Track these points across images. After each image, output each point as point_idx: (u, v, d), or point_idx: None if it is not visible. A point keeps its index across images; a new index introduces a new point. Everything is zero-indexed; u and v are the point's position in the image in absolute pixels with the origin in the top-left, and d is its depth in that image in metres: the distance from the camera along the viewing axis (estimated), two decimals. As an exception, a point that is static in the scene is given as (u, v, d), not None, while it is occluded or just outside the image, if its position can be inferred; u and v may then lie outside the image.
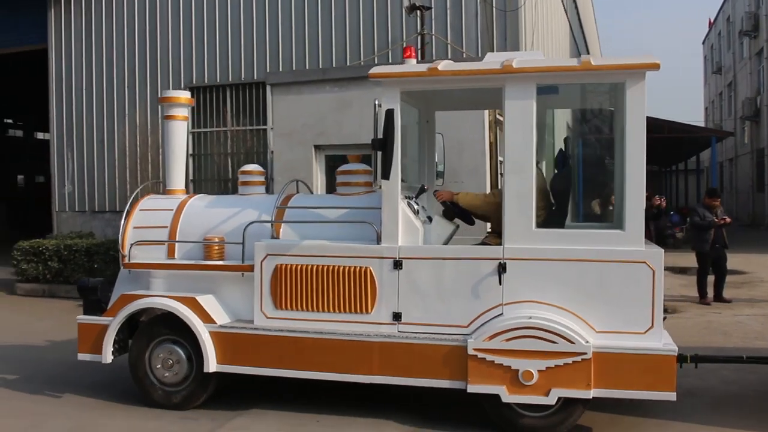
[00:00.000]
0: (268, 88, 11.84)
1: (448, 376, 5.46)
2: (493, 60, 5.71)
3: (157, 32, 14.64)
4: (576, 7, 27.43)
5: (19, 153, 30.92)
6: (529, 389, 5.28)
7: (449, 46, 12.22)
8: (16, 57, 17.38)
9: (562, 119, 10.56)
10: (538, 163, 5.65)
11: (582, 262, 5.34)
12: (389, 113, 5.46)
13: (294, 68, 13.31)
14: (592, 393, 5.21)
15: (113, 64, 14.98)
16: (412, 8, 11.80)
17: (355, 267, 5.71)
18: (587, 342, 5.20)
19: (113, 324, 6.11)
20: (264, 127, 13.88)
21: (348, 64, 12.64)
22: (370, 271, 5.68)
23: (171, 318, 5.99)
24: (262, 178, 6.75)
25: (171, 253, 6.37)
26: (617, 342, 5.25)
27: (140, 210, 6.62)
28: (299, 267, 5.81)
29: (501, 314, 5.42)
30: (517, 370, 5.28)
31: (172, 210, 6.52)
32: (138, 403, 6.18)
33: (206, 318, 5.93)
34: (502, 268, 5.41)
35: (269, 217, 6.12)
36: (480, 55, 11.25)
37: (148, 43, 14.70)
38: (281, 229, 6.14)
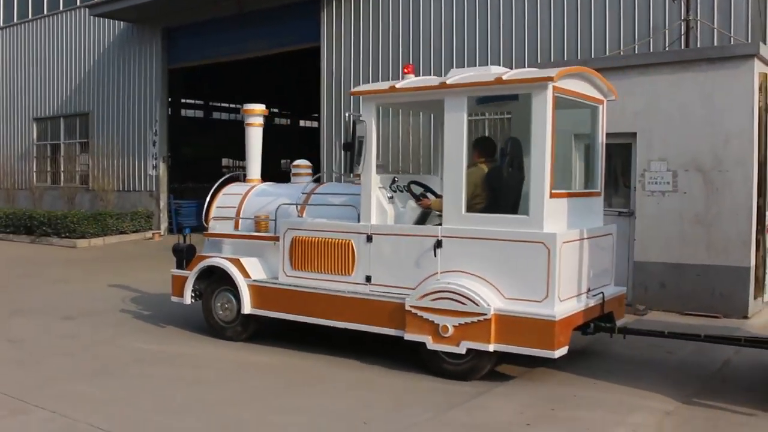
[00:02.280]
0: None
1: (395, 326, 6.99)
2: (452, 77, 7.08)
3: (419, 34, 15.16)
4: None
5: (285, 139, 35.12)
6: (446, 340, 6.65)
7: (716, 31, 11.42)
8: (283, 55, 19.40)
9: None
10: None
11: (497, 241, 6.59)
12: (354, 122, 7.11)
13: (552, 59, 13.01)
14: (491, 347, 6.46)
15: (379, 60, 15.85)
16: None
17: (341, 240, 7.44)
18: (489, 305, 6.46)
19: (191, 276, 8.43)
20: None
21: (607, 53, 12.26)
22: (351, 243, 7.37)
23: (226, 273, 8.16)
24: (309, 170, 8.70)
25: (236, 226, 8.55)
26: (515, 306, 6.44)
27: (222, 194, 8.89)
28: (306, 239, 7.66)
29: (438, 280, 6.84)
30: (438, 324, 6.67)
31: (241, 194, 8.71)
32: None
33: (245, 274, 8.01)
34: (438, 244, 6.83)
35: (300, 202, 8.06)
36: (750, 41, 10.78)
37: (412, 40, 15.25)
38: (305, 210, 8.04)
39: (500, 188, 6.95)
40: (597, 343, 7.78)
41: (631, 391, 6.29)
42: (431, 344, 6.74)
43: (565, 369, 6.92)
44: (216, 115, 34.16)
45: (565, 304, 6.49)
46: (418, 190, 7.51)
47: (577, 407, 5.95)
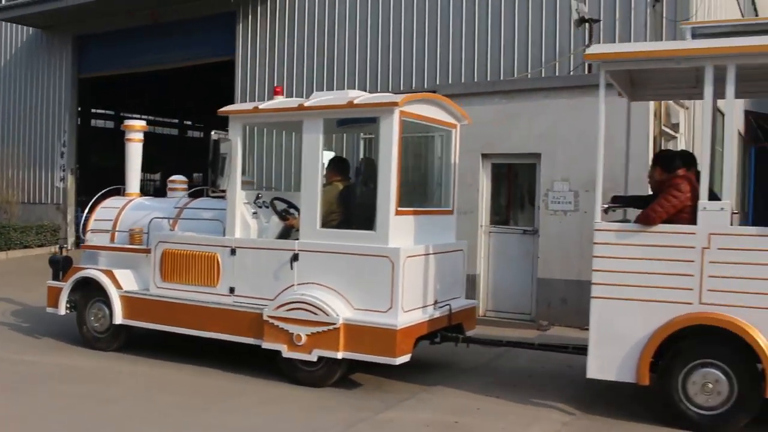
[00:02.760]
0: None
1: (255, 336, 7.34)
2: (312, 99, 7.51)
3: (335, 44, 15.50)
4: (755, 10, 26.82)
5: (199, 152, 35.17)
6: (300, 348, 7.04)
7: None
8: (199, 68, 19.31)
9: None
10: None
11: (347, 255, 7.02)
12: (214, 142, 7.46)
13: (463, 80, 13.74)
14: (340, 354, 6.87)
15: (293, 73, 16.06)
16: (581, 21, 12.00)
17: (207, 253, 7.77)
18: (338, 315, 6.87)
19: (65, 287, 8.63)
20: (432, 134, 14.56)
21: (516, 76, 12.85)
22: (217, 256, 7.71)
23: (99, 285, 8.38)
24: (184, 186, 9.02)
25: (112, 239, 8.79)
26: (362, 316, 6.87)
27: (101, 207, 9.12)
28: (175, 251, 7.96)
29: (294, 291, 7.23)
30: (292, 333, 7.06)
31: (118, 208, 8.96)
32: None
33: (118, 285, 8.26)
34: (295, 257, 7.23)
35: (172, 216, 8.36)
36: None
37: (326, 53, 15.55)
38: (177, 224, 8.35)
39: (353, 205, 7.39)
40: (501, 359, 8.17)
41: (531, 404, 6.58)
42: (286, 352, 7.11)
43: (471, 384, 7.19)
44: (129, 126, 33.78)
45: (409, 314, 6.93)
46: (281, 206, 7.89)
47: (481, 419, 6.20)
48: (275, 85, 15.98)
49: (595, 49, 6.44)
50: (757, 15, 26.58)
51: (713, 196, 6.03)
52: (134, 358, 8.20)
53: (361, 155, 10.85)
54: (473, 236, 10.15)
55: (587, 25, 11.95)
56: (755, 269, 5.72)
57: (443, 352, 8.13)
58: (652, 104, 9.68)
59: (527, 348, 7.35)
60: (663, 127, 10.75)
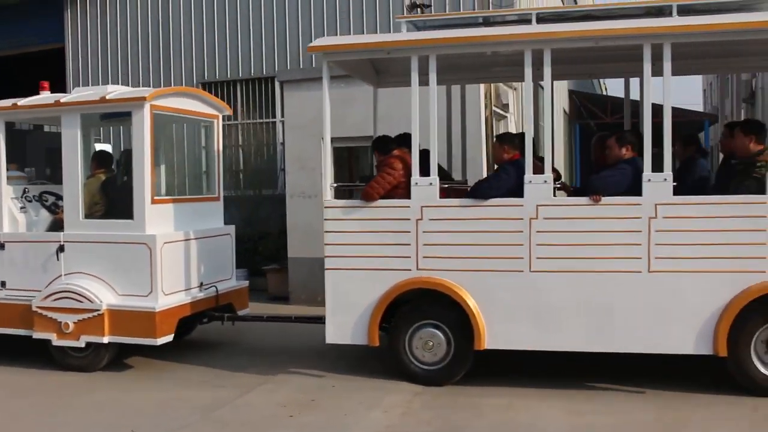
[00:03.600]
0: (277, 84, 12.96)
1: (27, 327, 7.52)
2: (71, 95, 7.70)
3: (170, 31, 15.23)
4: None
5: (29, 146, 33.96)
6: (68, 336, 7.31)
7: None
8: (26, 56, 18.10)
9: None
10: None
11: (109, 244, 7.33)
12: None
13: (302, 66, 13.67)
14: (106, 339, 7.20)
15: (128, 62, 15.67)
16: (413, 6, 12.30)
17: (-23, 248, 7.88)
18: (101, 301, 7.19)
19: None
20: (273, 120, 14.48)
21: None
22: (-14, 251, 7.84)
23: None
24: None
25: None
26: (125, 302, 7.21)
27: None
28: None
29: (61, 281, 7.46)
30: (60, 322, 7.31)
31: None
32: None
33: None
34: (61, 249, 7.46)
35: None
36: None
37: (161, 41, 15.28)
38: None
39: (114, 196, 7.69)
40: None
41: (383, 379, 6.79)
42: (56, 341, 7.37)
43: (325, 364, 7.37)
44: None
45: (170, 297, 7.32)
46: (50, 199, 8.07)
47: (336, 396, 6.44)
48: (110, 74, 15.79)
49: (317, 41, 6.97)
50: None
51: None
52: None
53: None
54: (319, 219, 10.48)
55: (419, 10, 12.35)
56: (460, 236, 6.48)
57: (297, 338, 8.42)
58: (482, 86, 10.28)
59: (285, 321, 7.92)
60: (494, 108, 11.47)
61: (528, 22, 6.66)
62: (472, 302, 6.47)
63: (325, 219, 6.79)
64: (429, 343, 6.64)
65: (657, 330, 6.22)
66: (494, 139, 7.55)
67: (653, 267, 6.19)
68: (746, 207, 6.10)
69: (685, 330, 6.18)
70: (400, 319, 6.73)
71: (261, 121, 14.70)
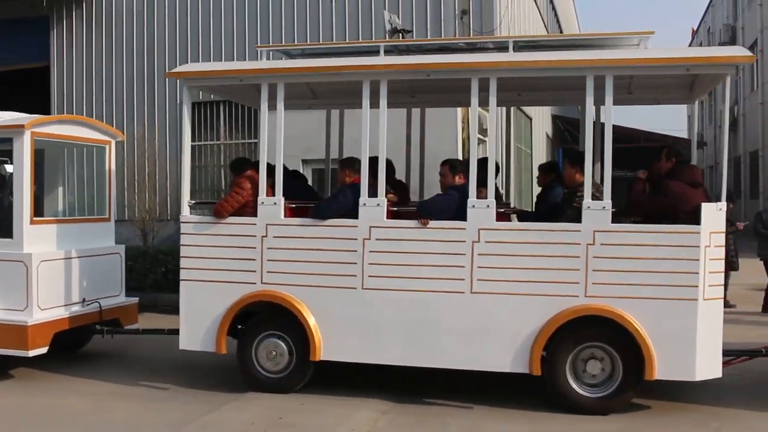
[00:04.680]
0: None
1: None
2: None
3: (154, 53, 15.60)
4: (559, 25, 28.71)
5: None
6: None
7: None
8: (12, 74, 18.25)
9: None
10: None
11: (-7, 261, 7.67)
12: None
13: None
14: (-11, 350, 7.54)
15: (112, 82, 15.94)
16: (394, 31, 12.69)
17: None
18: (-24, 316, 7.52)
19: None
20: (256, 140, 14.57)
21: None
22: None
23: None
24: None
25: None
26: (2, 315, 7.50)
27: None
28: None
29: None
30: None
31: None
32: None
33: None
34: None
35: None
36: None
37: (146, 63, 15.60)
38: None
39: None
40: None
41: (351, 397, 6.89)
42: None
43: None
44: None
45: (46, 312, 7.64)
46: None
47: (304, 414, 6.52)
48: (94, 94, 16.09)
49: (177, 68, 7.44)
50: (560, 27, 28.75)
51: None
52: None
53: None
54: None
55: (400, 35, 12.81)
56: (301, 253, 6.88)
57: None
58: (459, 111, 10.59)
59: (161, 334, 8.29)
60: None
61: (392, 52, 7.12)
62: (309, 316, 6.85)
63: (181, 233, 7.21)
64: (273, 353, 7.03)
65: (477, 348, 6.55)
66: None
67: (475, 288, 6.54)
68: (561, 234, 6.44)
69: (503, 349, 6.51)
70: (248, 329, 7.13)
71: (243, 141, 15.09)
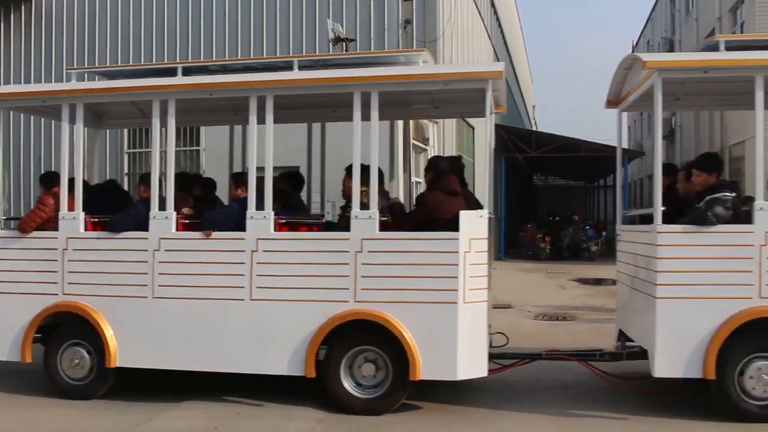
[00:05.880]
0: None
1: None
2: None
3: (95, 56, 15.90)
4: (503, 37, 29.27)
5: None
6: None
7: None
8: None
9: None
10: None
11: None
12: None
13: None
14: None
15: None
16: (337, 40, 13.13)
17: None
18: None
19: None
20: (197, 148, 15.15)
21: None
22: None
23: None
24: None
25: None
26: None
27: None
28: None
29: None
30: None
31: None
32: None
33: None
34: None
35: None
36: None
37: (87, 65, 15.44)
38: None
39: None
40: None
41: (289, 406, 6.99)
42: None
43: (231, 393, 7.38)
44: None
45: None
46: None
47: (240, 423, 6.57)
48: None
49: (2, 89, 7.79)
50: (503, 36, 29.32)
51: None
52: None
53: None
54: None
55: (344, 44, 13.25)
56: (97, 265, 7.22)
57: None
58: (401, 121, 10.88)
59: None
60: (413, 141, 12.02)
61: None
62: (106, 325, 7.18)
63: (-4, 248, 7.52)
64: (75, 361, 7.34)
65: (258, 353, 6.89)
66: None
67: (254, 296, 6.89)
68: (332, 242, 6.81)
69: (281, 353, 6.85)
70: (53, 339, 7.44)
71: (185, 149, 15.31)
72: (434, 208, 6.79)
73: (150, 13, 15.91)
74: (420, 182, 13.36)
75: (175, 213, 7.12)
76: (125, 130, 15.34)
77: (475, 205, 6.92)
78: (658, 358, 6.46)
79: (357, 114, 6.75)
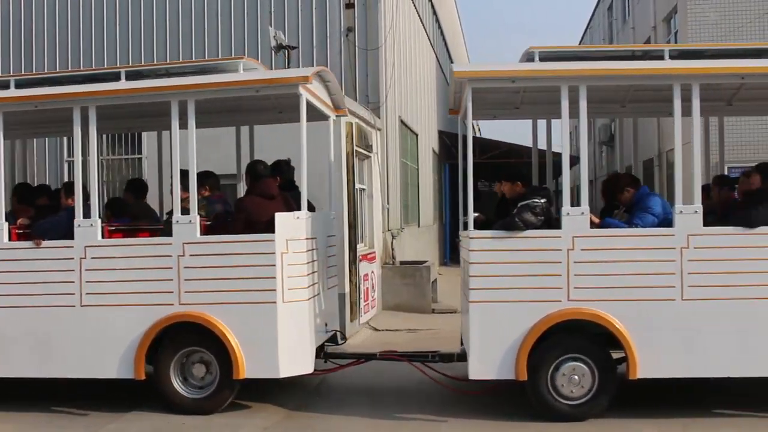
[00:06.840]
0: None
1: None
2: None
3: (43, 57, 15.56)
4: (444, 41, 29.36)
5: None
6: None
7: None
8: None
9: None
10: None
11: None
12: None
13: None
14: None
15: None
16: (279, 47, 13.05)
17: None
18: None
19: None
20: (139, 156, 14.72)
21: None
22: None
23: None
24: None
25: None
26: None
27: None
28: None
29: None
30: None
31: None
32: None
33: None
34: None
35: None
36: (344, 92, 11.09)
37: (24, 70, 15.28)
38: None
39: None
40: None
41: (237, 412, 6.99)
42: None
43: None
44: None
45: None
46: None
47: None
48: None
49: None
50: (446, 44, 29.49)
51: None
52: None
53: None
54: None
55: (286, 51, 13.25)
56: (21, 275, 7.19)
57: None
58: (344, 126, 11.07)
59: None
60: (356, 147, 12.17)
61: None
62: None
63: None
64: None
65: (91, 357, 7.05)
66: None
67: (85, 302, 7.05)
68: (156, 247, 7.01)
69: (112, 357, 7.01)
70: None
71: (126, 157, 15.13)
72: (251, 211, 6.96)
73: (88, 16, 15.73)
74: (364, 189, 13.67)
75: (7, 224, 7.26)
76: (65, 138, 15.34)
77: (298, 207, 7.07)
78: (472, 360, 6.69)
79: (175, 123, 6.95)
